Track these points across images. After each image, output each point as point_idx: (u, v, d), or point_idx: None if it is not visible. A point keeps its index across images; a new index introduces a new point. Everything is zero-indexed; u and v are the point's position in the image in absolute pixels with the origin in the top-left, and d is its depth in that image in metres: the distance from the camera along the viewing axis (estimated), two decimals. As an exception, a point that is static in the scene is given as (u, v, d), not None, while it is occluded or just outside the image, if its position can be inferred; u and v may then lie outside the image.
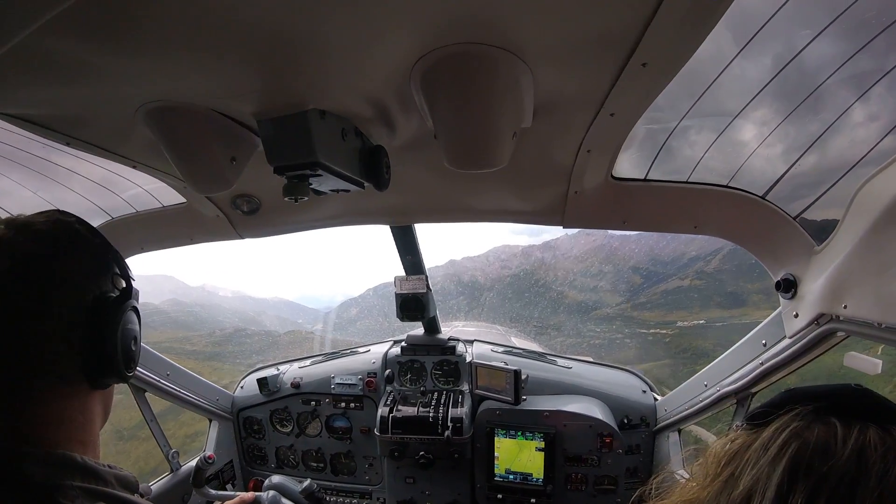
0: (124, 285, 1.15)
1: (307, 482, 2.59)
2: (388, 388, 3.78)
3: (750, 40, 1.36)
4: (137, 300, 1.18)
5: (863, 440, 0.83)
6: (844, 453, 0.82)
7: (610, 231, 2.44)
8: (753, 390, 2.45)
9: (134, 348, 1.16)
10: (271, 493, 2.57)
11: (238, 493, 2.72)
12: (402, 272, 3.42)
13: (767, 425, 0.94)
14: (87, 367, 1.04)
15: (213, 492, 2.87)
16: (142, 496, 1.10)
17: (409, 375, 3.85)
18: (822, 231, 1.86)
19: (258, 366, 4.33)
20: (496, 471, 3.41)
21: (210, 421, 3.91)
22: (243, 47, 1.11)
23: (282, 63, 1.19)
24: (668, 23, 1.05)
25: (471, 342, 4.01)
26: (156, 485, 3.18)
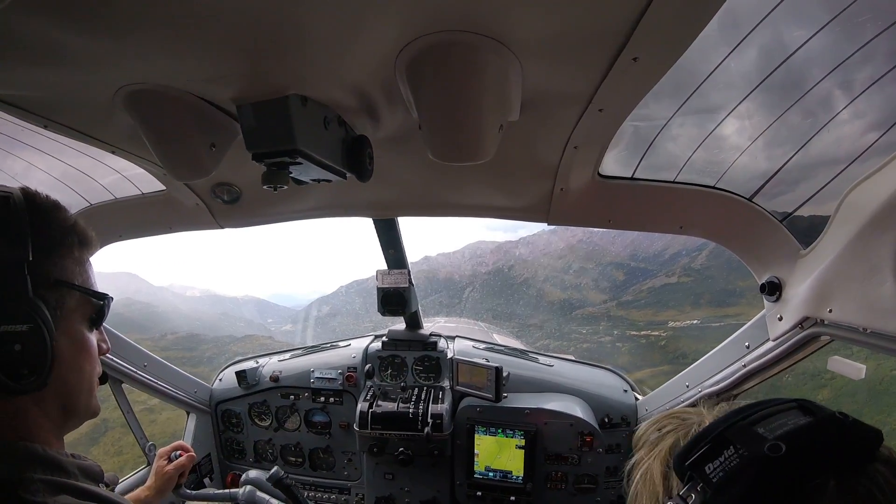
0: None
1: (274, 469, 2.54)
2: (368, 384, 3.75)
3: (745, 37, 1.34)
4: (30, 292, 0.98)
5: None
6: None
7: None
8: (735, 392, 2.45)
9: (19, 353, 0.94)
10: (248, 488, 2.54)
11: (214, 489, 2.68)
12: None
13: None
14: None
15: (190, 491, 2.83)
16: (107, 485, 1.07)
17: (389, 371, 3.82)
18: (809, 234, 1.86)
19: (237, 358, 4.27)
20: (476, 468, 3.40)
21: (188, 413, 3.86)
22: (223, 29, 1.07)
23: (263, 46, 1.15)
24: (662, 17, 1.03)
25: (452, 338, 3.99)
26: (132, 478, 3.14)
